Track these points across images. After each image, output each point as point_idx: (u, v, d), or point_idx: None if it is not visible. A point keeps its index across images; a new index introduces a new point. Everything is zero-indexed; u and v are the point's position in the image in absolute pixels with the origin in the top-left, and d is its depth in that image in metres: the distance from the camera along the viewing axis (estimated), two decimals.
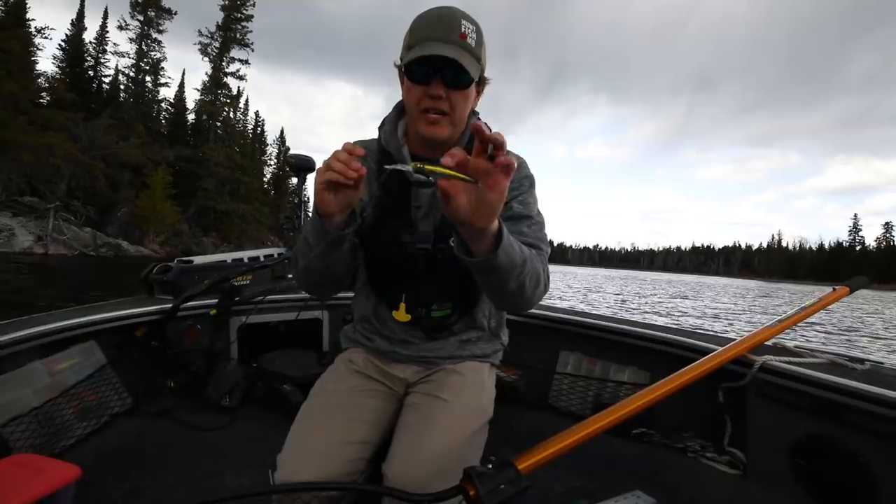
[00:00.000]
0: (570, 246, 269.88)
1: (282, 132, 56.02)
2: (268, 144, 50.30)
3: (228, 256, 2.09)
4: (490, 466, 0.69)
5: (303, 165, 2.27)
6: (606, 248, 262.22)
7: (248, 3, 36.72)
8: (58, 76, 30.26)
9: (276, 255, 2.18)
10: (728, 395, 1.41)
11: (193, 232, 30.49)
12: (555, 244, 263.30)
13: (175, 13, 34.46)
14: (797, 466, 1.23)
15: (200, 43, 36.10)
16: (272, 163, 49.91)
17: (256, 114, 51.79)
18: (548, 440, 0.82)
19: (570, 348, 1.84)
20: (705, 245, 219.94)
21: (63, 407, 1.38)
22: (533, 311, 1.89)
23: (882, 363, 1.30)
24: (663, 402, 1.02)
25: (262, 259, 2.12)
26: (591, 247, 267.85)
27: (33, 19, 27.70)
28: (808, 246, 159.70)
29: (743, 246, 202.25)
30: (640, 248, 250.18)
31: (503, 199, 0.67)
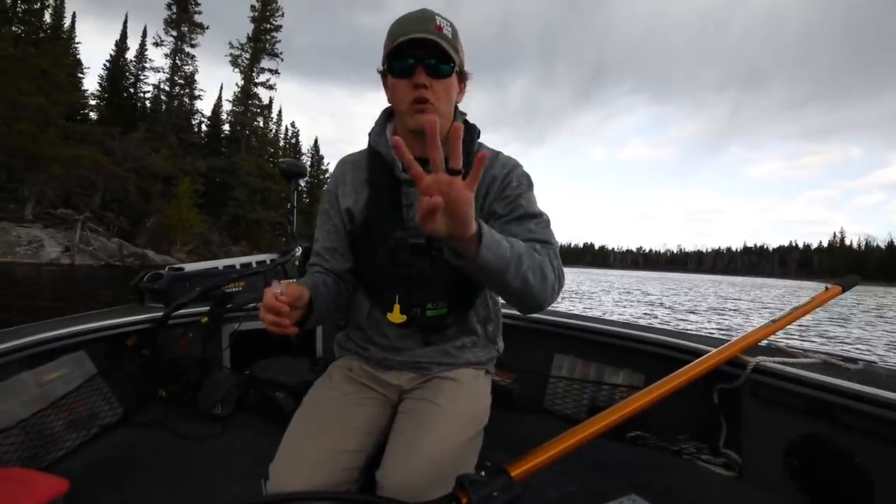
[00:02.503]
0: (612, 249, 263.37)
1: (315, 141, 57.64)
2: (303, 154, 51.58)
3: (220, 263, 2.08)
4: (483, 474, 0.69)
5: (294, 171, 2.27)
6: (650, 251, 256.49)
7: (277, 14, 37.76)
8: (98, 93, 32.72)
9: (268, 262, 2.16)
10: (723, 397, 1.40)
11: (223, 240, 30.89)
12: (596, 247, 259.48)
13: (207, 27, 35.60)
14: (792, 467, 1.23)
15: (231, 55, 37.22)
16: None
17: (292, 124, 53.96)
18: (542, 445, 0.81)
19: (564, 351, 1.84)
20: (758, 245, 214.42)
21: (52, 418, 1.36)
22: None
23: (875, 363, 1.29)
24: (658, 404, 1.01)
25: (254, 265, 2.11)
26: (633, 249, 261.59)
27: (72, 37, 29.93)
28: (875, 244, 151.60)
29: (800, 245, 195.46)
30: (686, 250, 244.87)
31: (466, 208, 0.69)
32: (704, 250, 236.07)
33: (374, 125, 1.09)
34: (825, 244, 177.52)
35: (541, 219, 0.99)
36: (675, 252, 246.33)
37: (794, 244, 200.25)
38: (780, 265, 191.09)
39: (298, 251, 2.19)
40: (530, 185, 1.04)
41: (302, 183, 44.59)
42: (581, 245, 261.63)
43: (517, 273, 0.81)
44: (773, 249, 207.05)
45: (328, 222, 1.11)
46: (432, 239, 0.97)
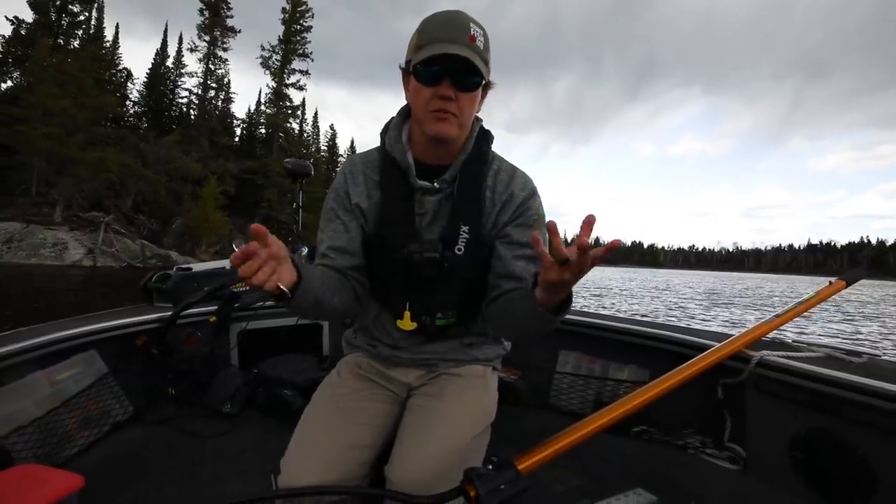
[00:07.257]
0: (663, 247, 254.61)
1: (352, 143, 57.95)
2: (340, 155, 52.29)
3: (227, 263, 2.10)
4: (490, 467, 0.70)
5: (300, 171, 2.28)
6: (704, 249, 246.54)
7: (307, 15, 37.96)
8: (137, 99, 34.28)
9: None
10: (727, 391, 1.41)
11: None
12: (645, 246, 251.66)
13: (239, 31, 35.92)
14: (797, 460, 1.24)
15: (262, 57, 37.55)
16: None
17: (331, 127, 55.94)
18: (548, 440, 0.82)
19: (569, 347, 1.85)
20: (824, 242, 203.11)
21: (65, 417, 1.39)
22: None
23: (879, 356, 1.30)
24: (663, 399, 1.02)
25: None
26: (685, 248, 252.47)
27: (116, 48, 32.04)
28: None
29: (873, 242, 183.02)
30: (743, 248, 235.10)
31: (577, 280, 0.71)
32: (764, 248, 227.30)
33: (389, 127, 1.06)
34: None
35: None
36: (730, 250, 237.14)
37: (866, 240, 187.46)
38: (849, 263, 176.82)
39: (304, 251, 2.21)
40: (542, 215, 1.05)
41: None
42: (629, 244, 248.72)
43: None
44: (842, 246, 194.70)
45: (334, 221, 1.07)
46: (446, 253, 0.97)
